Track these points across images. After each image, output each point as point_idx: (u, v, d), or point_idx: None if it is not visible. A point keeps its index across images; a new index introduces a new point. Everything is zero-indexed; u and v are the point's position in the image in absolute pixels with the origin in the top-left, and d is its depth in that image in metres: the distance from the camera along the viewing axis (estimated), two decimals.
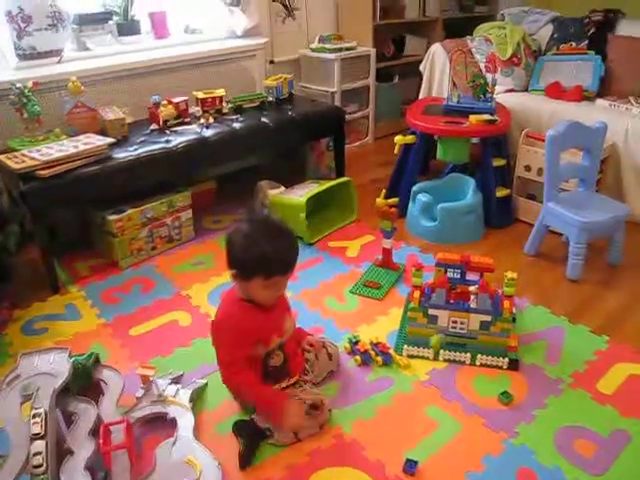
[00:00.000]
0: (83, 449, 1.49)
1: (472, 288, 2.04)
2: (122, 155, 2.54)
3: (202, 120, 2.89)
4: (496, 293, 2.02)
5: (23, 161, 2.30)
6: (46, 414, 1.44)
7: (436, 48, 3.71)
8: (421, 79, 3.88)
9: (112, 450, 1.52)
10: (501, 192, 2.88)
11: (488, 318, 1.95)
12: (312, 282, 2.50)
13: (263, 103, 3.19)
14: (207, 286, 2.48)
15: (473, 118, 2.79)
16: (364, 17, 3.87)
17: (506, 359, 1.95)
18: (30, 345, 2.07)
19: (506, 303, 1.95)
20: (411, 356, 2.03)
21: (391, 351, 2.03)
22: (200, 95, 2.95)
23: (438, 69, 3.71)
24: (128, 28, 3.12)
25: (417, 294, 2.07)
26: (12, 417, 1.51)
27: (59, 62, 2.84)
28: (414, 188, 2.92)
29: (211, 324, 1.74)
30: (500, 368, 1.95)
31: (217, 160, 2.90)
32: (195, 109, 2.98)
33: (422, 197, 2.84)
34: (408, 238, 2.87)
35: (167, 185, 2.76)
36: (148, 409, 1.76)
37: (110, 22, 3.05)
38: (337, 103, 3.76)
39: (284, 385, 1.78)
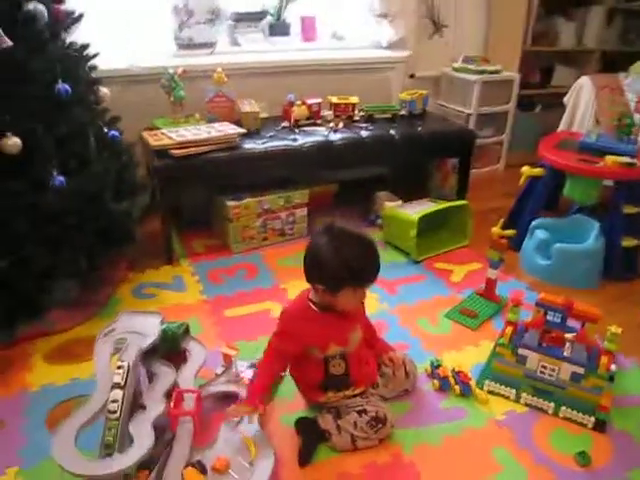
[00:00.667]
0: (155, 408, 1.57)
1: (569, 335, 1.88)
2: (250, 146, 2.67)
3: (332, 124, 2.95)
4: (595, 346, 1.86)
5: (161, 139, 2.50)
6: (129, 368, 1.54)
7: (584, 81, 3.47)
8: (564, 112, 3.67)
9: (180, 415, 1.60)
10: (628, 242, 2.62)
11: (581, 370, 1.79)
12: (410, 299, 2.46)
13: (395, 116, 3.18)
14: (305, 284, 2.50)
15: (610, 159, 2.57)
16: (514, 41, 3.72)
17: (593, 418, 1.78)
18: (135, 306, 2.25)
19: (604, 358, 1.78)
20: (491, 392, 1.92)
21: (472, 383, 1.94)
22: (334, 100, 3.01)
23: (583, 103, 3.46)
24: (279, 29, 3.26)
25: (509, 330, 1.95)
26: (102, 365, 1.65)
27: (211, 54, 3.05)
28: (534, 223, 2.76)
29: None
30: (584, 426, 1.78)
31: (339, 165, 2.93)
32: (327, 113, 3.04)
33: (540, 233, 2.68)
34: (519, 273, 2.71)
35: (287, 181, 2.85)
36: (223, 386, 1.84)
37: (263, 21, 3.22)
38: (471, 126, 3.65)
39: (348, 393, 1.75)
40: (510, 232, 2.45)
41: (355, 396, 1.76)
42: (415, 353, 2.06)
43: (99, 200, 2.08)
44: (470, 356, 2.10)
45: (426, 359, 2.05)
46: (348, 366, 1.72)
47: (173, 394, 1.63)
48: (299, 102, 2.93)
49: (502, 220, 2.46)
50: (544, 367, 1.87)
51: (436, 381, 1.95)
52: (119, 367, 1.55)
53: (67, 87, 2.02)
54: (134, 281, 2.50)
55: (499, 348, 1.95)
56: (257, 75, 3.07)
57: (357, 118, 3.06)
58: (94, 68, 2.31)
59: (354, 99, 3.04)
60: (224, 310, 2.32)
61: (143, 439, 1.48)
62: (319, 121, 2.97)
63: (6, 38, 1.84)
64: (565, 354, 1.83)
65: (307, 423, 1.73)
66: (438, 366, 2.01)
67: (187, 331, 1.91)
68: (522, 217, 2.88)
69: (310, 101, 2.95)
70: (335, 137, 2.84)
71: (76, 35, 2.24)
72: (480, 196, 3.43)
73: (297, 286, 2.46)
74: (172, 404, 1.60)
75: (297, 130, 2.88)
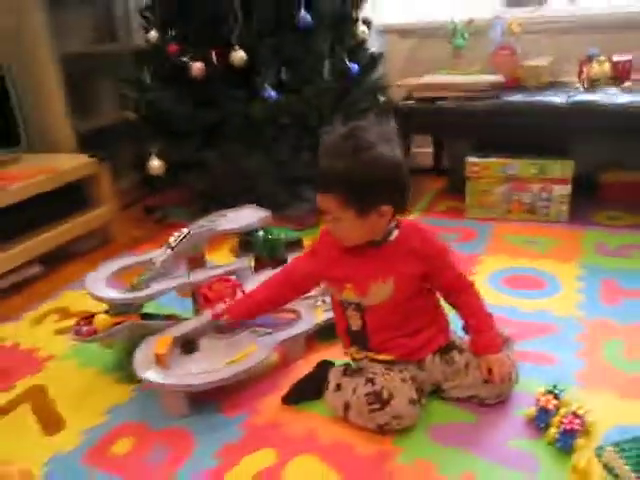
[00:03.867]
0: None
1: None
2: (510, 99, 2.16)
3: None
4: None
5: (411, 82, 2.29)
6: (185, 234, 1.54)
7: None
8: None
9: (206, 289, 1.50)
10: None
11: None
12: (631, 314, 1.56)
13: None
14: (505, 264, 1.91)
15: None
16: None
17: None
18: None
19: None
20: (606, 466, 1.07)
21: (581, 441, 1.13)
22: None
23: None
24: None
25: None
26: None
27: (533, 12, 2.54)
28: None
29: None
30: None
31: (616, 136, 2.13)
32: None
33: None
34: None
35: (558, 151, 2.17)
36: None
37: None
38: None
39: (371, 355, 1.28)
40: None
41: (382, 362, 1.27)
42: (559, 374, 1.33)
43: (303, 119, 2.09)
44: (631, 411, 1.21)
45: (554, 374, 1.30)
46: (365, 323, 1.26)
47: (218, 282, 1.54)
48: (602, 58, 2.16)
49: None
50: None
51: (533, 409, 1.22)
52: (179, 233, 1.57)
53: (308, 18, 2.10)
54: None
55: None
56: (564, 32, 2.43)
57: None
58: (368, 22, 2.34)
59: None
60: None
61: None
62: (628, 83, 2.11)
63: None
64: None
65: (322, 366, 1.36)
66: (556, 395, 1.24)
67: (299, 245, 1.76)
68: None
69: (617, 57, 2.13)
70: (621, 99, 2.02)
71: None
72: None
73: (496, 263, 1.95)
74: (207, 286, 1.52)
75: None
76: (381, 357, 1.28)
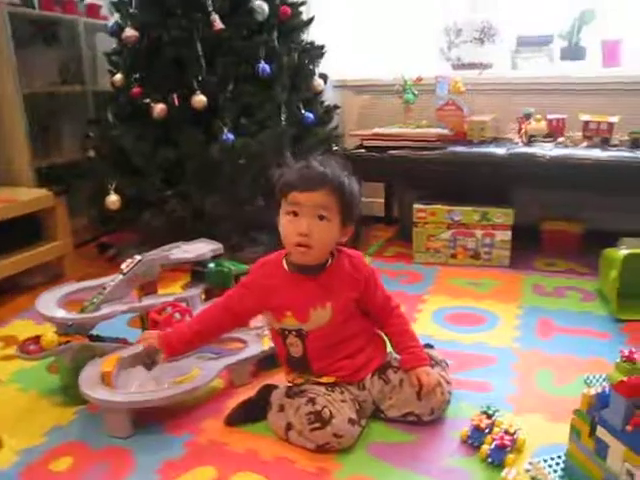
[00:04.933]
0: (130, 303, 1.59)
1: None
2: (455, 150, 2.33)
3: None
4: None
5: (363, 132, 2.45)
6: (138, 261, 1.60)
7: None
8: None
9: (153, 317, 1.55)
10: None
11: None
12: (556, 348, 1.67)
13: None
14: (448, 303, 2.01)
15: None
16: None
17: None
18: None
19: None
20: (534, 479, 1.14)
21: (511, 456, 1.19)
22: (585, 117, 2.30)
23: None
24: (572, 53, 2.70)
25: (591, 392, 1.12)
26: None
27: (479, 74, 2.78)
28: None
29: None
30: None
31: (552, 186, 2.30)
32: (576, 133, 2.35)
33: None
34: None
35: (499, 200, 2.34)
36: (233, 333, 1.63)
37: (550, 46, 2.74)
38: None
39: (313, 379, 1.32)
40: None
41: (322, 384, 1.32)
42: (493, 399, 1.40)
43: (260, 160, 2.19)
44: (559, 433, 1.25)
45: (488, 400, 1.36)
46: (306, 349, 1.31)
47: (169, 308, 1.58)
48: (538, 116, 2.37)
49: None
50: (630, 474, 1.01)
51: (466, 430, 1.28)
52: (132, 260, 1.62)
53: (267, 69, 2.25)
54: None
55: (574, 419, 1.15)
56: (506, 93, 2.68)
57: (616, 142, 2.24)
58: (324, 76, 2.52)
59: (613, 118, 2.25)
60: None
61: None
62: (561, 139, 2.32)
63: (219, 22, 2.20)
64: None
65: (265, 389, 1.39)
66: (489, 415, 1.31)
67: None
68: None
69: (551, 116, 2.35)
70: (554, 152, 2.20)
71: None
72: None
73: (437, 302, 2.04)
74: (157, 311, 1.56)
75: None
76: (324, 380, 1.33)
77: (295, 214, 1.23)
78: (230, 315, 1.36)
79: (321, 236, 1.24)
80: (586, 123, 2.30)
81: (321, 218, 1.23)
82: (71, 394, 1.39)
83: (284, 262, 1.32)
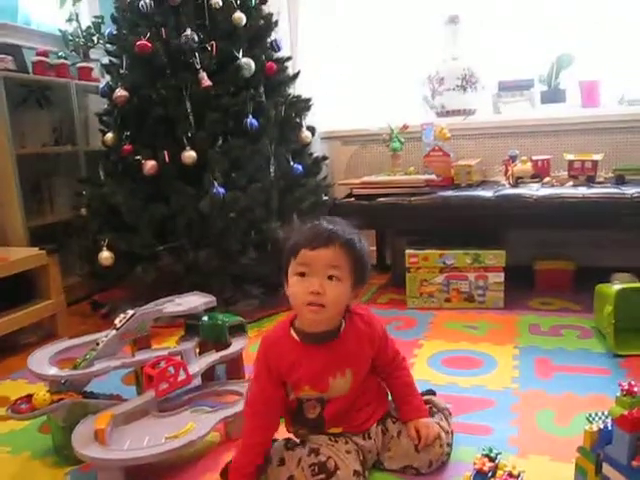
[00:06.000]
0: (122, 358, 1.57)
1: None
2: (443, 194, 2.38)
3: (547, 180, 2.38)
4: None
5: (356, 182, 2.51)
6: (131, 316, 1.59)
7: None
8: None
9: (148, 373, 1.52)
10: None
11: None
12: (556, 388, 1.65)
13: None
14: (444, 347, 2.01)
15: None
16: None
17: None
18: None
19: None
20: None
21: None
22: (570, 157, 2.37)
23: None
24: (552, 95, 2.82)
25: (593, 429, 1.12)
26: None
27: (464, 120, 2.87)
28: None
29: None
30: None
31: (541, 225, 2.35)
32: (561, 173, 2.42)
33: None
34: None
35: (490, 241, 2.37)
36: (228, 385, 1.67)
37: (531, 90, 2.85)
38: None
39: (308, 432, 1.30)
40: None
41: (329, 434, 1.30)
42: (495, 441, 1.37)
43: (249, 213, 2.23)
44: (562, 474, 1.25)
45: (488, 443, 1.28)
46: (323, 412, 1.28)
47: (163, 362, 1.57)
48: (524, 158, 2.44)
49: None
50: None
51: (469, 474, 1.26)
52: (125, 314, 1.62)
53: (255, 123, 2.32)
54: None
55: (579, 458, 1.14)
56: (490, 137, 2.78)
57: (601, 179, 2.32)
58: (312, 128, 2.60)
59: (597, 156, 2.33)
60: None
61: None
62: (547, 179, 2.39)
63: (207, 79, 2.29)
64: None
65: None
66: (492, 458, 1.29)
67: (243, 330, 1.81)
68: None
69: (536, 157, 2.42)
70: (539, 193, 2.26)
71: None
72: None
73: (433, 347, 2.04)
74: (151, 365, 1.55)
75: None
76: (330, 431, 1.31)
77: (304, 275, 1.19)
78: (275, 410, 1.28)
79: (334, 294, 1.18)
80: (571, 162, 2.37)
81: (331, 278, 1.18)
82: (64, 454, 1.37)
83: (292, 333, 1.28)
